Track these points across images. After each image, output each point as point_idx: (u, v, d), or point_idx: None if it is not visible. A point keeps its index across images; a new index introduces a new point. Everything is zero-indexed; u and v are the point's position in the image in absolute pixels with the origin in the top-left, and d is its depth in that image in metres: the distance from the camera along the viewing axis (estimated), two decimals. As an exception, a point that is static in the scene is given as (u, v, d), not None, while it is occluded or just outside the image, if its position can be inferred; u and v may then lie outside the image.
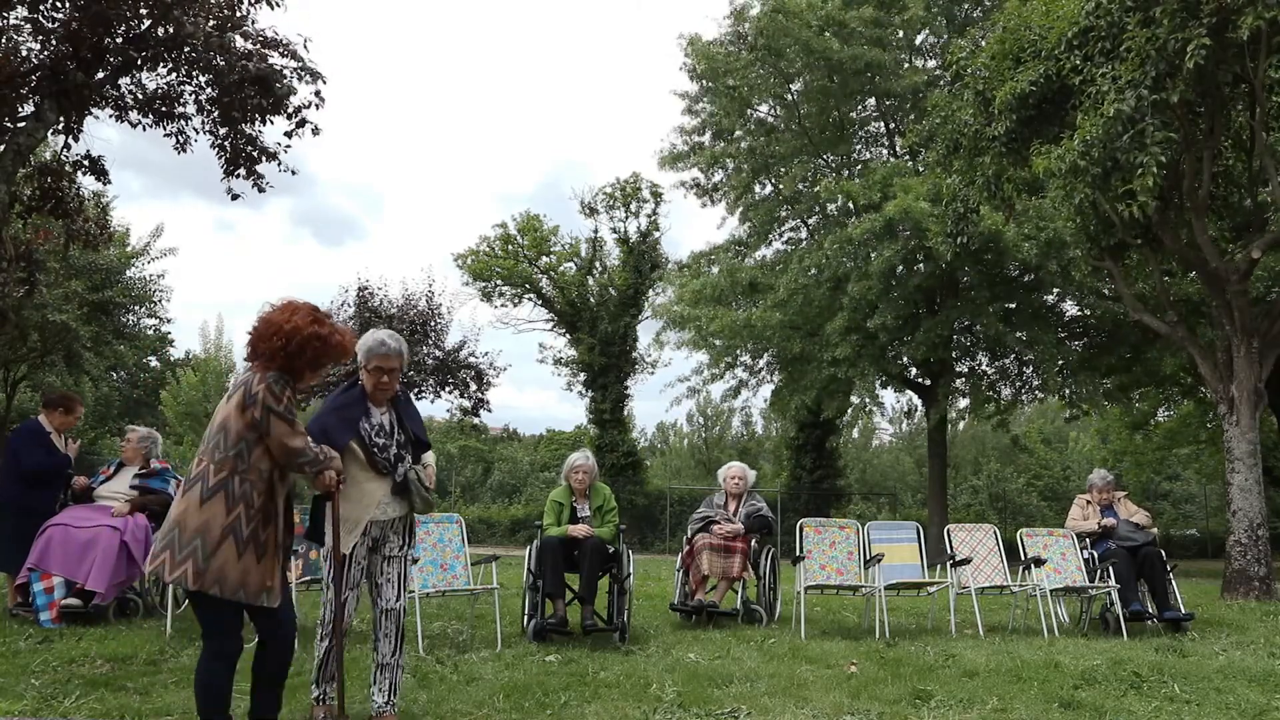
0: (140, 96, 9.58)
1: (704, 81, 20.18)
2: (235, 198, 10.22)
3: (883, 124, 21.31)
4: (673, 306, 20.17)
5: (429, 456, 4.21)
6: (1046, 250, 15.73)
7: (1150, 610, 7.39)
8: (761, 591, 7.67)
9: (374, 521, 3.93)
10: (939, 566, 8.25)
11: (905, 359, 19.09)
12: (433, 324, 16.95)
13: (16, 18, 8.64)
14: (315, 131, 9.89)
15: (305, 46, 9.65)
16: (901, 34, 19.09)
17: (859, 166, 20.62)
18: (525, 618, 6.51)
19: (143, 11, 8.84)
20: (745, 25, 19.20)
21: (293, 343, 3.34)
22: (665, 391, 70.92)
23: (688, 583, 7.33)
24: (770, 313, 17.47)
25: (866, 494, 31.59)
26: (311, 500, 3.93)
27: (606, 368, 25.21)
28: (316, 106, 9.70)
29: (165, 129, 9.82)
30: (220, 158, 9.97)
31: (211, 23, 8.95)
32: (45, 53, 8.67)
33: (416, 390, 16.89)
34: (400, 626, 4.01)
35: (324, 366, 3.50)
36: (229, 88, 9.17)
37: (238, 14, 9.31)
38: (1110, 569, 7.39)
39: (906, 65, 19.70)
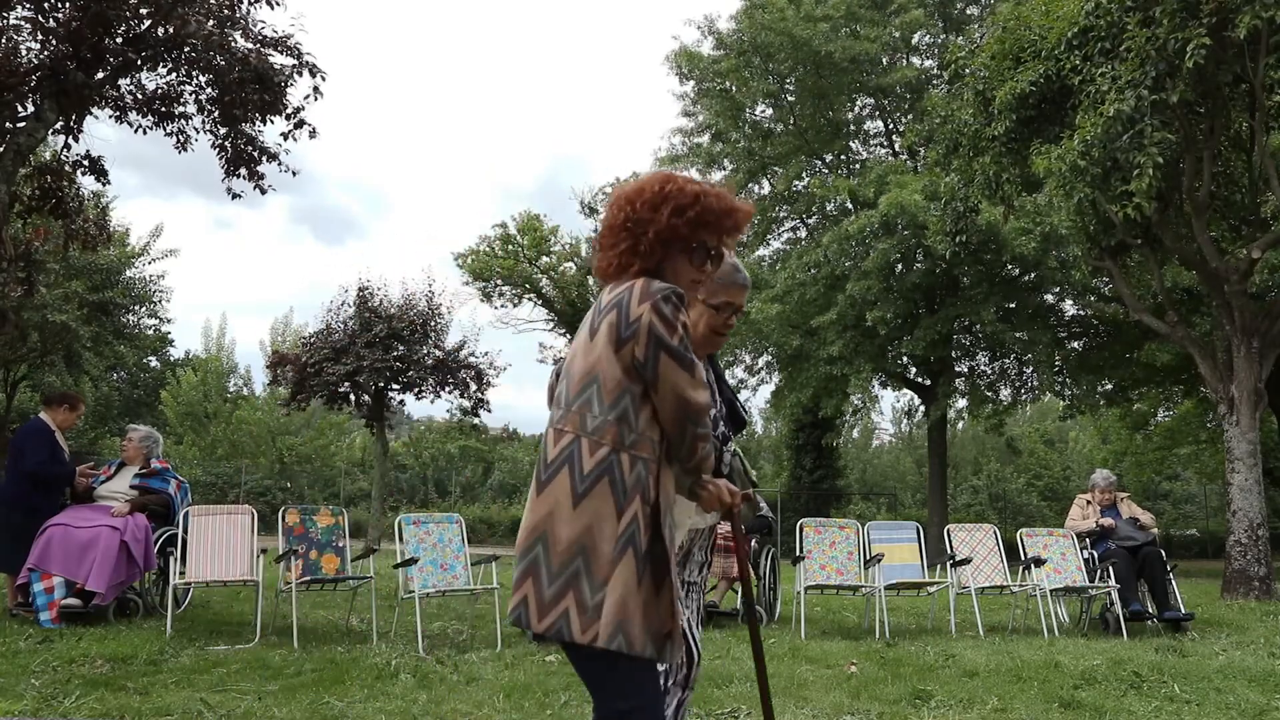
0: (140, 96, 9.58)
1: (694, 82, 20.28)
2: (236, 197, 10.21)
3: (881, 123, 21.36)
4: None
5: (732, 444, 2.78)
6: (1044, 245, 15.76)
7: (1150, 610, 7.39)
8: (761, 591, 7.67)
9: (691, 529, 2.60)
10: (939, 566, 8.25)
11: (905, 358, 19.13)
12: (433, 324, 16.92)
13: (16, 18, 8.64)
14: (313, 134, 9.89)
15: (301, 28, 9.62)
16: (899, 34, 19.14)
17: (858, 165, 20.66)
18: (525, 618, 6.50)
19: (143, 12, 8.83)
20: (720, 33, 19.41)
21: (692, 210, 2.15)
22: (665, 391, 70.73)
23: (688, 583, 7.32)
24: (769, 305, 17.51)
25: (866, 494, 31.58)
26: None
27: (606, 368, 25.18)
28: (314, 97, 9.67)
29: (165, 129, 9.82)
30: (221, 158, 9.97)
31: (211, 22, 8.95)
32: (45, 53, 8.66)
33: (416, 390, 16.87)
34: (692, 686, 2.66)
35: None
36: (229, 86, 9.17)
37: (237, 13, 9.30)
38: (1110, 569, 7.40)
39: (904, 63, 19.75)
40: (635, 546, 1.97)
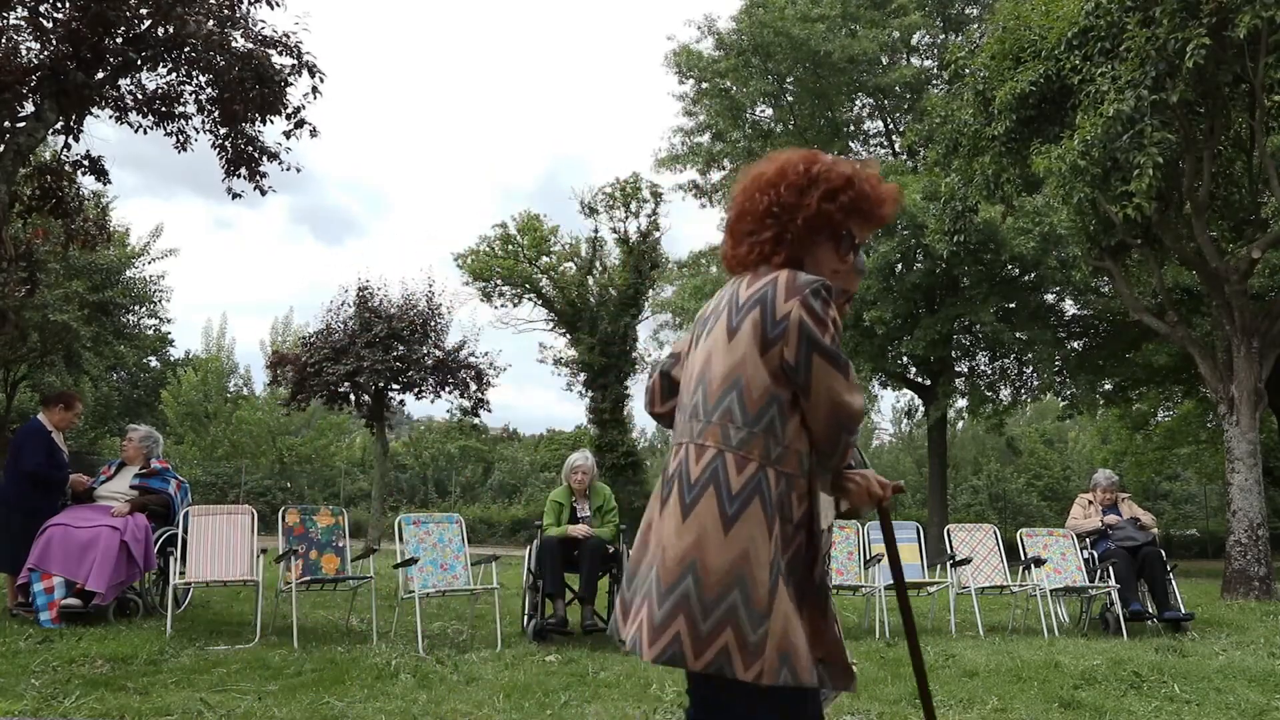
0: (140, 96, 9.58)
1: (694, 82, 20.33)
2: (236, 197, 10.22)
3: (880, 123, 21.39)
4: (674, 301, 20.29)
5: None
6: (1044, 245, 15.78)
7: (1150, 610, 7.39)
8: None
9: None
10: (939, 566, 8.25)
11: (905, 358, 19.16)
12: (433, 324, 16.94)
13: (16, 18, 8.64)
14: (313, 134, 9.88)
15: (305, 28, 9.60)
16: (898, 34, 19.17)
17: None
18: (525, 618, 6.52)
19: (143, 12, 8.84)
20: (720, 33, 19.46)
21: (845, 194, 1.96)
22: (665, 391, 70.70)
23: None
24: None
25: (866, 494, 31.50)
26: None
27: (606, 368, 25.19)
28: (313, 96, 9.65)
29: (165, 129, 9.82)
30: (221, 158, 9.97)
31: (211, 22, 8.95)
32: (45, 53, 8.66)
33: (416, 390, 16.88)
34: None
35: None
36: (229, 86, 9.17)
37: (237, 13, 9.30)
38: (1110, 569, 7.40)
39: (903, 63, 19.78)
40: (791, 571, 1.81)
